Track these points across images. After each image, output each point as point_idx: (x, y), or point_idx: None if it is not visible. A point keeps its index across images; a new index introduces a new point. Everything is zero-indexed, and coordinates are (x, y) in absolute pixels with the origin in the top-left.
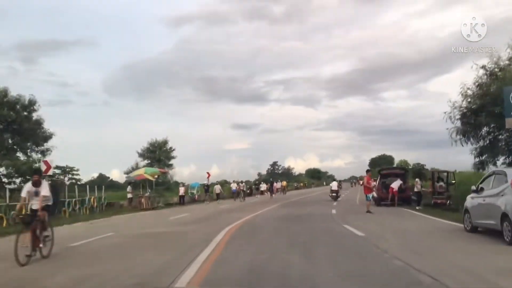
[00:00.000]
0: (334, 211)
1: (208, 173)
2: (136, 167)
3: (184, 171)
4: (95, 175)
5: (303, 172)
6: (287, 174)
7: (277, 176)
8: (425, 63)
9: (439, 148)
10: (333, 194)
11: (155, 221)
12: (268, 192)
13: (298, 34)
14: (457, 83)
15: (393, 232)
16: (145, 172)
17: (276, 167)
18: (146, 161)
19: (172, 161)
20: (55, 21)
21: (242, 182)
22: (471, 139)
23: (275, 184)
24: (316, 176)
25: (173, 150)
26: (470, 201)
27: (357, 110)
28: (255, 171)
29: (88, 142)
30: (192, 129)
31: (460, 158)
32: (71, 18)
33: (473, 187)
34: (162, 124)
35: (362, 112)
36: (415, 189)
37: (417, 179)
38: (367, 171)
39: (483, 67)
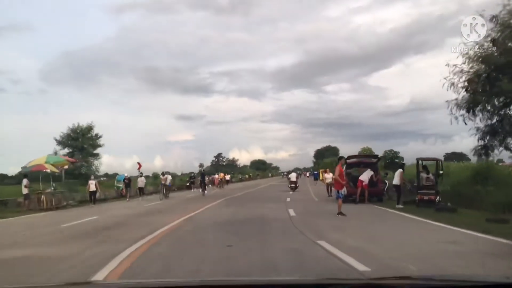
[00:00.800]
0: (292, 213)
1: (138, 163)
2: None
3: (126, 162)
4: None
5: (248, 163)
6: (231, 165)
7: (221, 168)
8: (366, 58)
9: (380, 140)
10: (292, 185)
11: (37, 230)
12: (210, 186)
13: (243, 25)
14: (396, 78)
15: (413, 259)
16: (47, 161)
17: (221, 158)
18: (67, 150)
19: (98, 150)
20: None
21: (163, 174)
22: (481, 114)
23: (215, 176)
24: (261, 168)
25: (100, 137)
26: None
27: (301, 102)
28: (200, 162)
29: (22, 132)
30: (135, 119)
31: (399, 149)
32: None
33: None
34: (103, 114)
35: (306, 104)
36: (395, 182)
37: (400, 170)
38: (340, 158)
39: (494, 18)
